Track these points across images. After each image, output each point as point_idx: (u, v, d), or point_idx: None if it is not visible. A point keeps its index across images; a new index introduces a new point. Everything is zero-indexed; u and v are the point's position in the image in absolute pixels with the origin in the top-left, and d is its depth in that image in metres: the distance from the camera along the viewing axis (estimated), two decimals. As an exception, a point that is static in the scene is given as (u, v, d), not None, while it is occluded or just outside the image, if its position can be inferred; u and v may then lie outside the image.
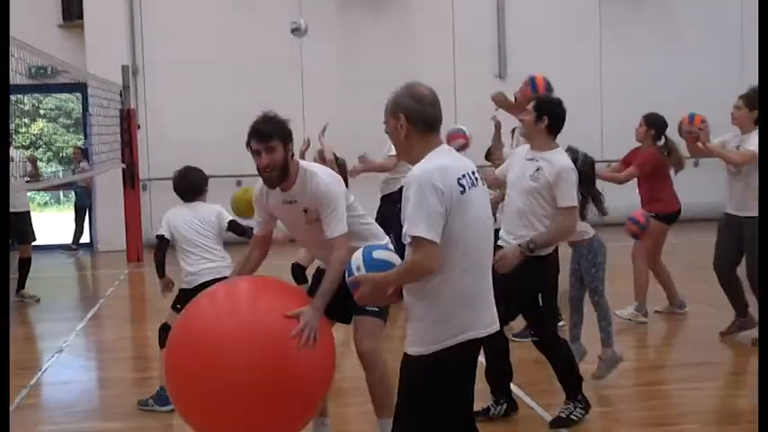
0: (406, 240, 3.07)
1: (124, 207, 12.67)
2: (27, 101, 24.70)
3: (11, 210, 8.64)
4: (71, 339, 7.67)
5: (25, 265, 9.33)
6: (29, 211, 9.36)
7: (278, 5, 13.88)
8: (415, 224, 3.02)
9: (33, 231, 9.40)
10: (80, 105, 15.51)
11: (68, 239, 14.56)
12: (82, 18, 13.58)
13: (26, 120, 26.35)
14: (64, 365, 6.85)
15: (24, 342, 7.94)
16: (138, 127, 13.27)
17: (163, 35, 13.93)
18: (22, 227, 9.06)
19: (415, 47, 14.25)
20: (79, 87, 14.30)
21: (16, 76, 7.86)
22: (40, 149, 26.47)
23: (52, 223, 18.42)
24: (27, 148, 26.28)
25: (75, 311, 9.16)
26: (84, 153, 14.14)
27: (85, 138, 14.53)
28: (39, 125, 27.15)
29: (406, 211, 3.08)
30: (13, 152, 9.24)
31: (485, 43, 14.71)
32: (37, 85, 14.75)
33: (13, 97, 15.19)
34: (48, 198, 24.19)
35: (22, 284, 9.36)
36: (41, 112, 26.97)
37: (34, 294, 9.43)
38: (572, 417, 4.96)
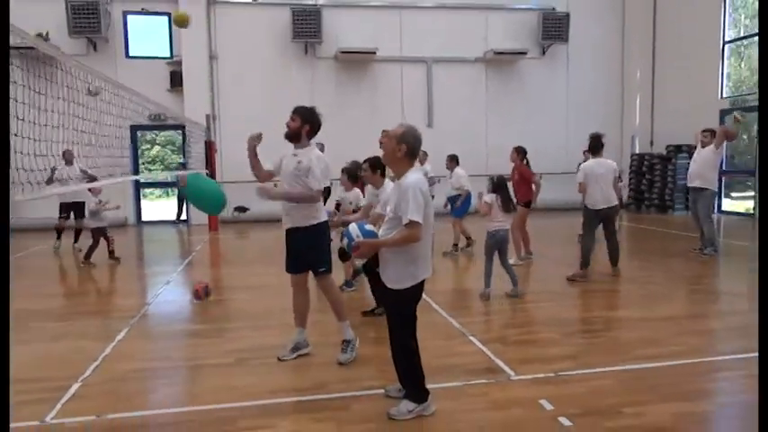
0: (406, 222, 3.04)
1: (207, 199, 12.53)
2: (149, 135, 24.35)
3: (75, 199, 9.06)
4: (174, 276, 7.62)
5: (79, 233, 9.73)
6: (84, 201, 9.21)
7: (297, 82, 13.94)
8: (413, 213, 3.03)
9: (84, 212, 9.39)
10: (181, 138, 15.27)
11: (173, 217, 14.46)
12: (182, 86, 13.52)
13: (148, 146, 25.96)
14: (170, 291, 6.79)
15: (145, 278, 7.85)
16: (216, 151, 13.15)
17: (232, 96, 13.84)
18: (82, 209, 9.23)
19: (380, 107, 14.23)
20: (180, 127, 14.15)
21: (143, 119, 7.76)
22: (157, 163, 26.02)
23: (163, 208, 18.12)
24: (150, 162, 25.88)
25: (176, 260, 9.07)
26: (183, 166, 13.99)
27: (184, 157, 14.34)
28: (156, 149, 26.69)
29: (406, 204, 3.04)
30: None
31: (420, 105, 14.67)
32: (154, 125, 14.56)
33: (139, 133, 15.06)
34: (161, 192, 23.84)
35: (76, 239, 9.74)
36: (157, 141, 26.49)
37: (79, 247, 9.62)
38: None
